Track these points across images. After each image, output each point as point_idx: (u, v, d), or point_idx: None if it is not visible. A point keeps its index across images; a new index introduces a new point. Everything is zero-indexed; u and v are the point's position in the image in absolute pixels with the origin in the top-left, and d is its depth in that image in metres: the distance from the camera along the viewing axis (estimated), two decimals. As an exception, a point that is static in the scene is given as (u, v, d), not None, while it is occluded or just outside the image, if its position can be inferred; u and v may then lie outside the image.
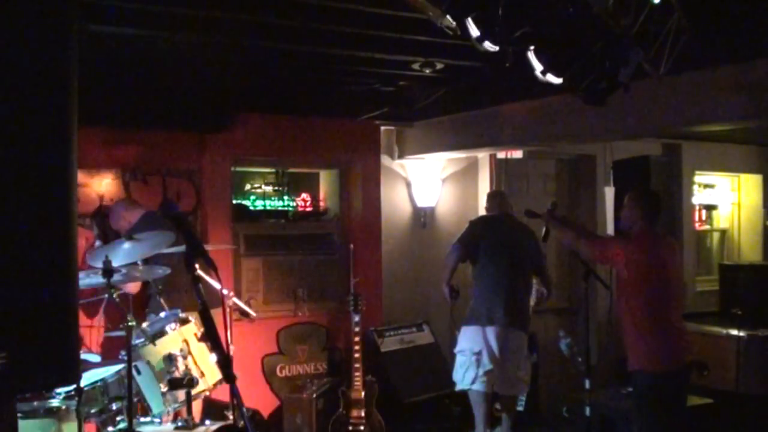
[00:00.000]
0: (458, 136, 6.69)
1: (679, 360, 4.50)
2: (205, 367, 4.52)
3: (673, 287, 4.58)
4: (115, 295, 4.09)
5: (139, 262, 4.51)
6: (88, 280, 4.09)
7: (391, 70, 5.18)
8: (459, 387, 5.58)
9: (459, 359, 5.56)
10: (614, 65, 3.21)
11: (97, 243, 5.37)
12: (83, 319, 5.14)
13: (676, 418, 4.47)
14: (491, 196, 6.08)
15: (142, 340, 4.32)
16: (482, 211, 6.37)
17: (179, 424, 4.32)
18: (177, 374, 4.32)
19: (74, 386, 3.73)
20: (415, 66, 5.01)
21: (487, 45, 2.90)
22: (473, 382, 5.43)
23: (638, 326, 4.48)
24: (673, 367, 4.47)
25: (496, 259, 5.58)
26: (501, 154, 7.38)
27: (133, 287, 5.07)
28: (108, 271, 4.00)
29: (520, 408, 6.07)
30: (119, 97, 5.45)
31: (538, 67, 3.12)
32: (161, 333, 4.41)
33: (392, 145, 7.17)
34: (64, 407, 3.87)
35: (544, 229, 5.03)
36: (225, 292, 4.88)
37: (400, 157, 7.18)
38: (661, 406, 4.44)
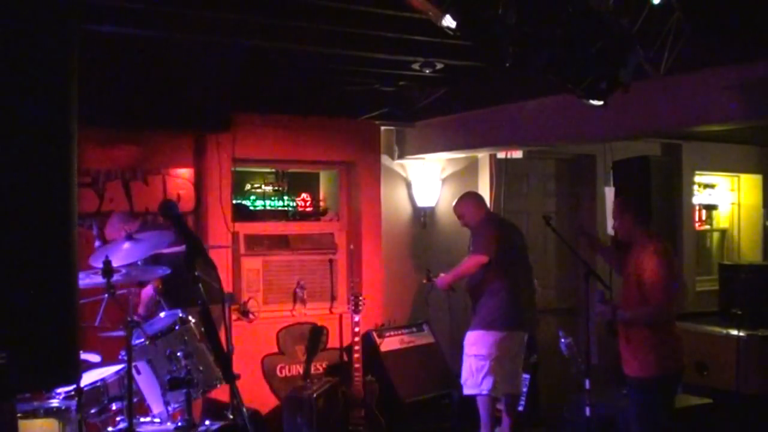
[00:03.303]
0: (458, 136, 6.68)
1: (682, 360, 4.56)
2: (206, 367, 4.52)
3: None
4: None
5: (139, 262, 4.51)
6: (88, 280, 4.09)
7: (391, 70, 5.19)
8: (476, 392, 5.48)
9: (476, 364, 5.46)
10: (614, 65, 3.21)
11: (97, 243, 5.37)
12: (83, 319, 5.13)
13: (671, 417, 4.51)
14: (481, 198, 6.00)
15: (142, 340, 4.32)
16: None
17: (179, 424, 4.32)
18: (177, 374, 4.32)
19: (74, 386, 3.73)
20: (415, 66, 5.02)
21: None
22: (492, 389, 5.39)
23: (655, 331, 4.40)
24: (680, 368, 4.53)
25: (512, 263, 5.55)
26: (501, 154, 7.37)
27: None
28: (108, 271, 4.00)
29: (519, 408, 6.06)
30: (119, 97, 5.45)
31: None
32: (162, 333, 4.41)
33: (392, 145, 7.16)
34: (64, 407, 3.87)
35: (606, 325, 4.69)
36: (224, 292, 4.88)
37: (400, 157, 7.17)
38: (669, 407, 4.46)
